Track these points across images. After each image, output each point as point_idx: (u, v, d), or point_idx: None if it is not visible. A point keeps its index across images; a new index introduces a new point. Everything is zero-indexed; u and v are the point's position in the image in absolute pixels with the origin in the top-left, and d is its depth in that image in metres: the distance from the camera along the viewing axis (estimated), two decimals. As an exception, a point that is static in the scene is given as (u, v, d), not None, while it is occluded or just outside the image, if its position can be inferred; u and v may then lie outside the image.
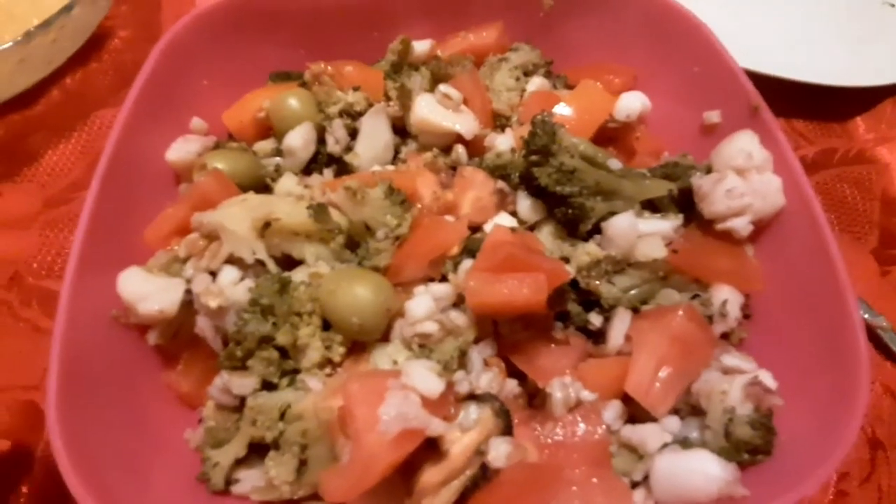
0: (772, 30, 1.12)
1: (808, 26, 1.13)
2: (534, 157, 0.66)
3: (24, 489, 0.73)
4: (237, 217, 0.62)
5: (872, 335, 0.83)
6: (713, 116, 0.78)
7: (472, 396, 0.55)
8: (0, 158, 0.99)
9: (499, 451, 0.51)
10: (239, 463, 0.59)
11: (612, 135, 0.82)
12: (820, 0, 1.16)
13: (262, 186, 0.74)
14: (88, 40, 1.08)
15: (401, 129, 0.80)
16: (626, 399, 0.59)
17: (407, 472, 0.52)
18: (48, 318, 0.84)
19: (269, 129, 0.80)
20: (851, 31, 1.12)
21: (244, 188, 0.71)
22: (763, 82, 0.75)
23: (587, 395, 0.56)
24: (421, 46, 0.85)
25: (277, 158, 0.77)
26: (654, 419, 0.58)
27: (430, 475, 0.51)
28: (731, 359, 0.62)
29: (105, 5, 1.08)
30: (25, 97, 1.03)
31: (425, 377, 0.50)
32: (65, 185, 0.97)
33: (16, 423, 0.76)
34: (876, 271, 0.93)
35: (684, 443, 0.57)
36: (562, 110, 0.77)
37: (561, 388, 0.55)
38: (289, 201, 0.65)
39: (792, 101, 1.04)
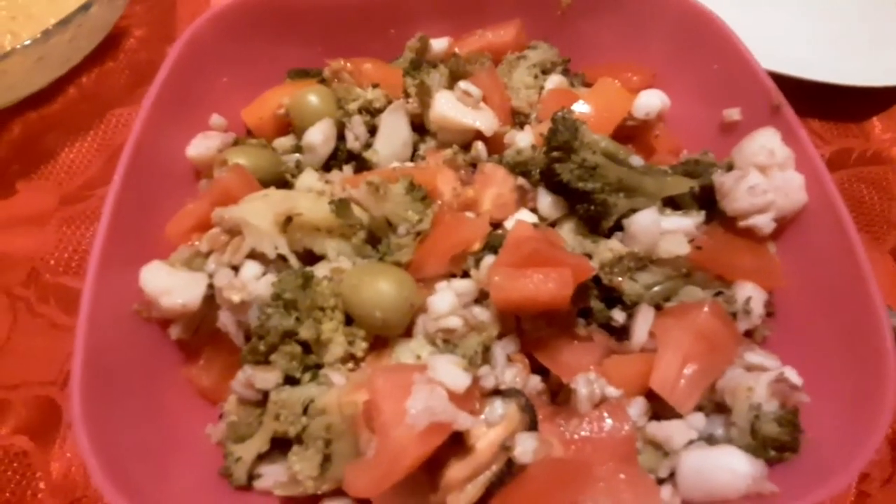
0: (787, 29, 1.12)
1: (823, 26, 1.13)
2: (555, 154, 0.65)
3: (42, 485, 0.73)
4: (259, 212, 0.62)
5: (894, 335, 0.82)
6: (733, 114, 0.78)
7: (496, 392, 0.55)
8: (17, 156, 1.00)
9: (525, 447, 0.51)
10: (261, 458, 0.59)
11: (630, 133, 0.82)
12: (834, 2, 1.16)
13: (282, 182, 0.74)
14: (104, 40, 1.09)
15: (419, 127, 0.80)
16: (650, 396, 0.59)
17: (432, 467, 0.52)
18: (65, 315, 0.84)
19: (289, 125, 0.80)
20: (867, 31, 1.11)
21: (264, 184, 0.71)
22: (778, 82, 0.75)
23: (612, 391, 0.56)
24: (439, 44, 0.85)
25: (297, 155, 0.77)
26: (678, 416, 0.58)
27: (455, 470, 0.50)
28: (755, 356, 0.61)
29: (121, 4, 1.08)
30: (43, 95, 1.04)
31: (451, 371, 0.50)
32: (81, 183, 0.98)
33: (33, 419, 0.77)
34: (894, 272, 0.92)
35: (710, 440, 0.57)
36: (580, 108, 0.77)
37: (586, 384, 0.55)
38: (310, 197, 0.65)
39: (808, 100, 1.03)
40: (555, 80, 0.83)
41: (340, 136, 0.77)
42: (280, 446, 0.59)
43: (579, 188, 0.64)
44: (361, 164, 0.76)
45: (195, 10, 1.22)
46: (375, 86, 0.78)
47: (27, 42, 0.90)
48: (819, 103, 1.06)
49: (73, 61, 1.04)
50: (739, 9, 1.12)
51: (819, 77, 0.99)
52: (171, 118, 0.76)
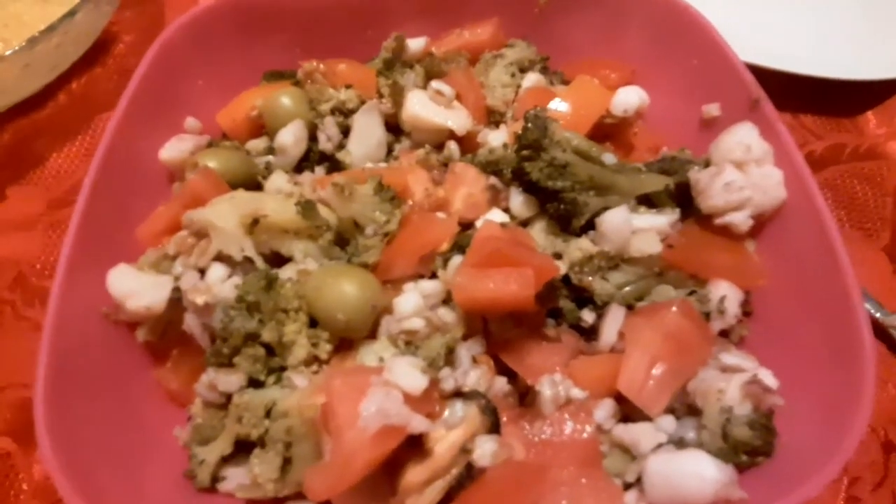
0: (779, 23, 1.10)
1: (816, 19, 1.11)
2: (525, 152, 0.64)
3: (24, 486, 0.73)
4: (225, 214, 0.62)
5: (885, 335, 0.80)
6: (712, 110, 0.76)
7: (458, 394, 0.54)
8: (7, 162, 1.01)
9: (484, 450, 0.50)
10: (225, 460, 0.59)
11: (609, 131, 0.80)
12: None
13: (255, 185, 0.74)
14: (93, 45, 1.10)
15: (394, 127, 0.79)
16: (621, 398, 0.58)
17: (391, 469, 0.51)
18: (48, 318, 0.85)
19: (262, 127, 0.80)
20: (861, 24, 1.09)
21: (235, 186, 0.70)
22: (771, 77, 0.74)
23: (577, 392, 0.55)
24: (415, 44, 0.84)
25: (270, 157, 0.76)
26: (648, 419, 0.56)
27: (414, 474, 0.49)
28: (731, 357, 0.60)
29: (109, 10, 1.09)
30: (33, 101, 1.05)
31: (408, 373, 0.49)
32: (68, 188, 0.98)
33: (17, 420, 0.77)
34: (888, 269, 0.90)
35: (680, 443, 0.55)
36: (557, 106, 0.76)
37: (550, 386, 0.54)
38: (277, 198, 0.65)
39: (800, 95, 1.02)
40: (532, 79, 0.82)
41: (313, 138, 0.77)
42: (244, 449, 0.59)
43: (549, 187, 0.63)
44: (335, 166, 0.76)
45: (184, 14, 1.23)
46: (349, 86, 0.78)
47: (13, 49, 0.90)
48: (812, 98, 1.03)
49: (61, 67, 1.05)
50: (732, 5, 1.11)
51: (812, 71, 0.97)
52: (146, 121, 0.76)
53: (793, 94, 0.98)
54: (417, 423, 0.48)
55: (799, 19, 1.11)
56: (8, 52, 0.90)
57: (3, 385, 0.80)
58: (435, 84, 0.74)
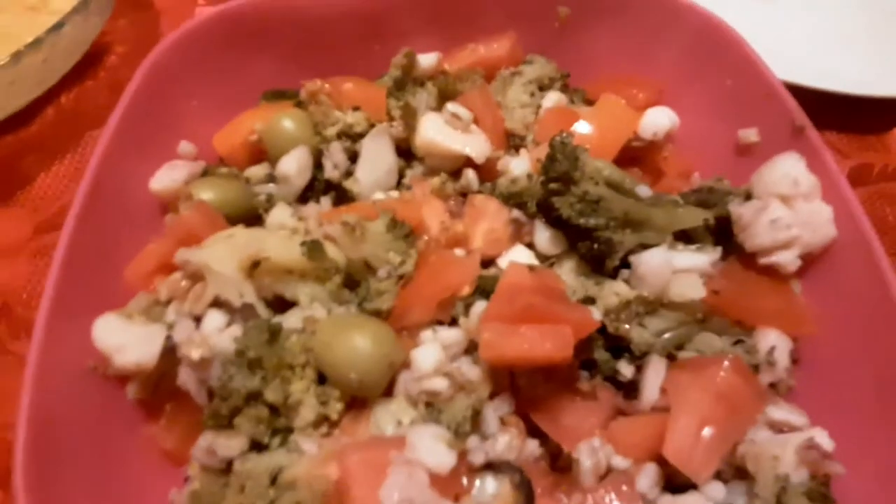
0: (802, 38, 1.05)
1: (840, 34, 1.06)
2: (553, 185, 0.59)
3: (6, 532, 0.67)
4: (223, 256, 0.56)
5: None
6: (750, 135, 0.71)
7: (488, 466, 0.48)
8: (-8, 182, 0.95)
9: (520, 535, 0.44)
10: (227, 535, 0.53)
11: (636, 154, 0.75)
12: (852, 7, 1.09)
13: (255, 217, 0.68)
14: (84, 56, 1.04)
15: (405, 152, 0.73)
16: (661, 460, 0.52)
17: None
18: (34, 355, 0.79)
19: (263, 153, 0.73)
20: (887, 38, 1.04)
21: (234, 219, 0.64)
22: (793, 92, 0.68)
23: (620, 461, 0.49)
24: (427, 60, 0.78)
25: (271, 185, 0.70)
26: (694, 484, 0.51)
27: (440, 562, 0.44)
28: (780, 411, 0.55)
29: (99, 21, 1.03)
30: (20, 116, 0.99)
31: (434, 449, 0.43)
32: (56, 210, 0.93)
33: (2, 464, 0.71)
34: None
35: (730, 514, 0.50)
36: (581, 128, 0.71)
37: (590, 455, 0.48)
38: (280, 236, 0.59)
39: (824, 112, 0.96)
40: (553, 98, 0.76)
41: (318, 165, 0.71)
42: (249, 521, 0.53)
43: (581, 224, 0.58)
44: (341, 195, 0.70)
45: (179, 24, 1.16)
46: (356, 108, 0.72)
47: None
48: (837, 115, 0.99)
49: (48, 83, 0.99)
50: (753, 18, 1.05)
51: (836, 87, 0.92)
52: (136, 146, 0.70)
53: (816, 110, 0.93)
54: (446, 512, 0.42)
55: (822, 34, 1.06)
56: (-4, 67, 0.84)
57: (-14, 426, 0.74)
58: (451, 107, 0.68)
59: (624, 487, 0.47)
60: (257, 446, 0.53)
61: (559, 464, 0.54)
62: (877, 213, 0.93)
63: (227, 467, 0.54)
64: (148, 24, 1.16)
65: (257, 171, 0.72)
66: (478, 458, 0.47)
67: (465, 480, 0.47)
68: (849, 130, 0.99)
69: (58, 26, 0.91)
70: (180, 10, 1.18)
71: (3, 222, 0.91)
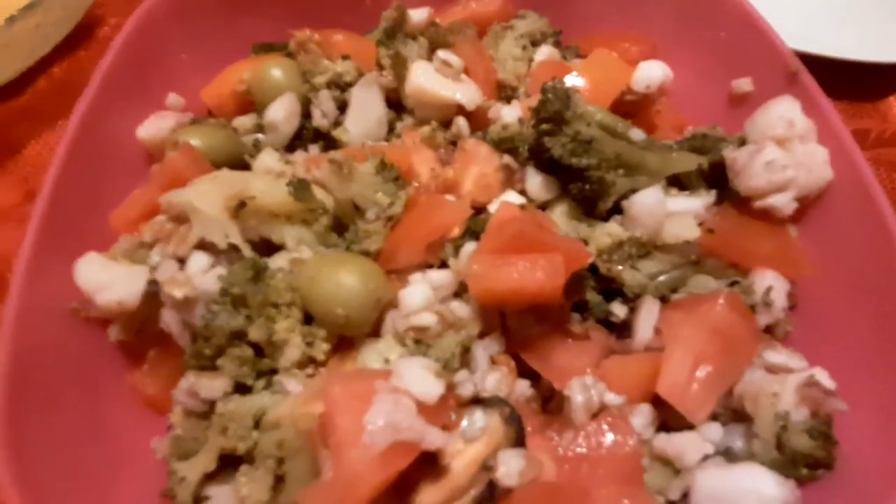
0: (798, 3, 1.04)
1: (836, 2, 1.05)
2: (545, 126, 0.58)
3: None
4: (208, 195, 0.54)
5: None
6: (744, 85, 0.70)
7: (476, 400, 0.47)
8: (-17, 151, 0.93)
9: (509, 467, 0.43)
10: (209, 478, 0.51)
11: (629, 108, 0.73)
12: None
13: (242, 165, 0.67)
14: (77, 28, 1.03)
15: (395, 103, 0.72)
16: (657, 402, 0.51)
17: (401, 490, 0.44)
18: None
19: (251, 104, 0.72)
20: (881, 5, 1.04)
21: (220, 166, 0.63)
22: None
23: (613, 398, 0.48)
24: (418, 15, 0.77)
25: (258, 135, 0.69)
26: (690, 427, 0.50)
27: (427, 495, 0.42)
28: (777, 355, 0.54)
29: (93, -9, 1.02)
30: (12, 87, 0.98)
31: (421, 378, 0.42)
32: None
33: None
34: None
35: (728, 454, 0.49)
36: (574, 81, 0.69)
37: (582, 391, 0.47)
38: (267, 178, 0.58)
39: (820, 78, 0.96)
40: (545, 52, 0.75)
41: (307, 114, 0.69)
42: (230, 464, 0.52)
43: (573, 164, 0.56)
44: (330, 144, 0.69)
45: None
46: (346, 58, 0.70)
47: (-7, 30, 0.83)
48: (832, 81, 0.96)
49: (41, 50, 0.98)
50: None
51: (831, 53, 0.91)
52: (123, 97, 0.69)
53: (813, 76, 0.93)
54: (434, 438, 0.40)
55: (818, 1, 1.05)
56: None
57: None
58: (441, 54, 0.67)
59: (618, 423, 0.46)
60: (241, 389, 0.52)
61: (550, 406, 0.53)
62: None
63: (208, 412, 0.53)
64: (140, -4, 1.15)
65: (245, 120, 0.70)
66: (466, 391, 0.46)
67: (453, 416, 0.45)
68: (844, 98, 0.98)
69: (51, -8, 0.90)
70: (174, -19, 1.17)
71: (-4, 190, 0.90)
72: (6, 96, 0.98)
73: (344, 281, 0.50)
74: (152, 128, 0.69)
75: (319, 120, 0.68)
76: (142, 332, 0.58)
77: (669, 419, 0.51)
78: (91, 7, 1.03)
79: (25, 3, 0.88)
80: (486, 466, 0.43)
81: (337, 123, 0.69)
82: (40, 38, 0.96)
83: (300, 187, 0.55)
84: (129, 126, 0.70)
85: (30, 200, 0.88)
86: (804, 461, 0.47)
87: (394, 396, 0.41)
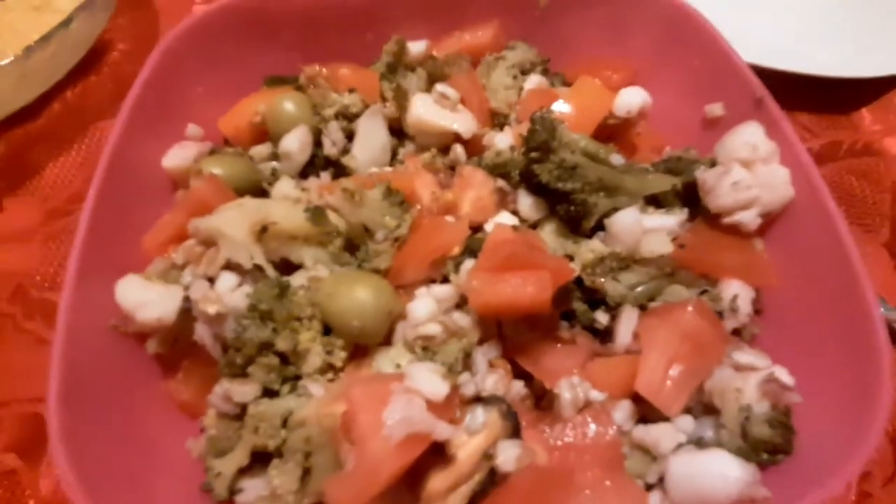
0: (772, 22, 1.11)
1: (809, 17, 1.12)
2: (534, 154, 0.64)
3: (31, 503, 0.71)
4: (234, 222, 0.61)
5: (889, 329, 0.81)
6: (716, 109, 0.77)
7: (477, 399, 0.53)
8: (2, 173, 0.99)
9: (507, 455, 0.49)
10: (242, 472, 0.58)
11: (612, 132, 0.81)
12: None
13: (259, 191, 0.73)
14: (88, 53, 1.08)
15: (397, 131, 0.79)
16: (636, 399, 0.58)
17: (413, 478, 0.51)
18: (52, 331, 0.82)
19: (265, 133, 0.79)
20: (854, 21, 1.10)
21: (241, 193, 0.69)
22: (765, 76, 0.74)
23: (596, 394, 0.54)
24: (416, 47, 0.84)
25: (274, 163, 0.76)
26: (665, 419, 0.56)
27: (437, 481, 0.49)
28: (744, 356, 0.60)
29: (103, 18, 1.08)
30: (27, 111, 1.04)
31: (430, 380, 0.49)
32: (66, 197, 0.97)
33: (22, 436, 0.75)
34: (889, 264, 0.91)
35: (699, 443, 0.56)
36: (560, 107, 0.76)
37: (569, 389, 0.54)
38: (286, 205, 0.64)
39: (795, 94, 1.02)
40: (534, 80, 0.82)
41: (318, 143, 0.76)
42: (261, 460, 0.58)
43: (559, 188, 0.63)
44: (339, 171, 0.75)
45: (178, 22, 1.21)
46: (352, 90, 0.77)
47: (8, 60, 0.89)
48: (807, 96, 1.04)
49: (56, 76, 1.04)
50: (725, 3, 1.11)
51: (806, 70, 0.98)
52: (147, 129, 0.75)
53: (788, 92, 0.99)
54: (442, 430, 0.47)
55: (793, 18, 1.12)
56: (3, 63, 0.89)
57: (6, 400, 0.78)
58: (440, 87, 0.74)
59: (602, 415, 0.52)
60: (269, 393, 0.58)
61: (542, 403, 0.59)
62: (846, 185, 0.98)
63: (239, 415, 0.60)
64: (147, 22, 1.21)
65: (261, 150, 0.77)
66: (469, 390, 0.53)
67: (457, 413, 0.52)
68: (819, 111, 1.05)
69: (66, 22, 0.96)
70: (178, 9, 1.23)
71: (16, 210, 0.96)
72: (23, 120, 1.03)
73: (359, 296, 0.57)
74: (176, 157, 0.75)
75: (330, 149, 0.74)
76: (176, 344, 0.64)
77: (647, 413, 0.57)
78: (100, 33, 1.09)
79: (42, 33, 0.93)
80: (487, 455, 0.50)
81: (345, 151, 0.75)
82: (56, 65, 1.01)
83: (317, 213, 0.62)
84: (153, 156, 0.76)
85: (50, 219, 0.94)
86: (765, 448, 0.54)
87: (407, 396, 0.47)
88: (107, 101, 1.09)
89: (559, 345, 0.59)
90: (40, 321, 0.84)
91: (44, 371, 0.78)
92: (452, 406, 0.51)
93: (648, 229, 0.64)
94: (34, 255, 0.90)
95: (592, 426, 0.52)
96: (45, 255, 0.90)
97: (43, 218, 0.94)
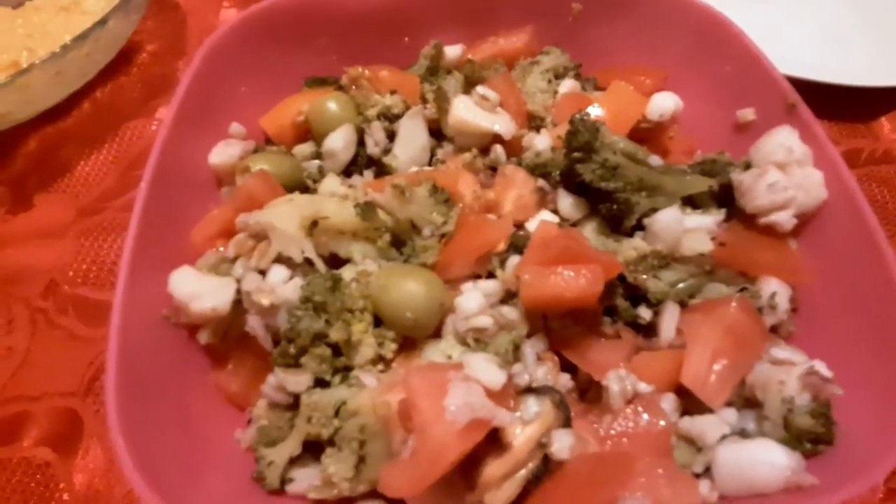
0: (794, 32, 1.13)
1: (829, 27, 1.14)
2: (576, 154, 0.66)
3: (65, 496, 0.72)
4: (286, 216, 0.62)
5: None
6: (748, 114, 0.79)
7: (529, 389, 0.55)
8: (34, 170, 1.01)
9: (562, 443, 0.50)
10: (293, 462, 0.59)
11: (644, 135, 0.82)
12: (840, 1, 1.18)
13: (303, 188, 0.75)
14: (117, 55, 1.10)
15: (436, 132, 0.80)
16: (680, 392, 0.59)
17: (466, 466, 0.52)
18: (84, 326, 0.85)
19: (307, 132, 0.81)
20: (872, 31, 1.13)
21: (286, 190, 0.71)
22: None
23: (644, 386, 0.56)
24: (452, 51, 0.86)
25: (316, 161, 0.77)
26: (709, 412, 0.58)
27: (492, 468, 0.50)
28: (782, 351, 0.61)
29: (136, 19, 1.10)
30: (58, 110, 1.05)
31: (487, 369, 0.50)
32: (97, 195, 0.98)
33: (55, 430, 0.76)
34: (910, 268, 0.92)
35: (742, 435, 0.57)
36: (595, 111, 0.78)
37: (618, 381, 0.55)
38: (335, 201, 0.66)
39: (815, 102, 1.03)
40: (568, 85, 0.84)
41: (359, 142, 0.78)
42: (311, 450, 0.59)
43: (601, 188, 0.65)
44: (381, 169, 0.77)
45: (206, 24, 1.24)
46: (393, 92, 0.79)
47: (46, 57, 0.91)
48: (826, 105, 1.06)
49: (88, 75, 1.06)
50: (746, 12, 1.13)
51: (825, 78, 1.00)
52: (193, 127, 0.76)
53: (808, 100, 1.01)
54: (503, 416, 0.49)
55: (812, 28, 1.15)
56: (39, 60, 0.91)
57: (39, 394, 0.79)
58: (480, 89, 0.76)
59: (651, 405, 0.54)
60: (320, 383, 0.60)
61: (587, 396, 0.61)
62: (867, 192, 0.97)
63: (291, 405, 0.61)
64: (176, 24, 1.24)
65: (304, 148, 0.79)
66: (522, 381, 0.54)
67: (512, 403, 0.53)
68: (838, 119, 1.07)
69: (101, 22, 0.98)
70: (206, 12, 1.26)
71: (48, 207, 0.97)
72: (55, 119, 1.05)
73: (412, 289, 0.58)
74: (222, 154, 0.77)
75: (372, 148, 0.76)
76: (226, 336, 0.66)
77: (691, 406, 0.59)
78: (131, 34, 1.11)
79: (71, 33, 0.95)
80: (541, 444, 0.51)
81: (386, 151, 0.77)
82: (89, 64, 1.04)
83: (367, 209, 0.63)
84: (199, 152, 0.77)
85: (82, 216, 0.96)
86: (807, 438, 0.55)
87: (467, 383, 0.49)
88: (136, 101, 1.11)
89: (604, 339, 0.60)
90: (73, 316, 0.86)
91: (76, 366, 0.80)
92: (508, 395, 0.52)
93: (688, 228, 0.65)
94: (66, 252, 0.92)
95: (644, 415, 0.53)
96: (77, 252, 0.92)
97: (75, 215, 0.95)
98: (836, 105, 1.07)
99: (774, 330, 0.66)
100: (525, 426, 0.51)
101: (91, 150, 1.03)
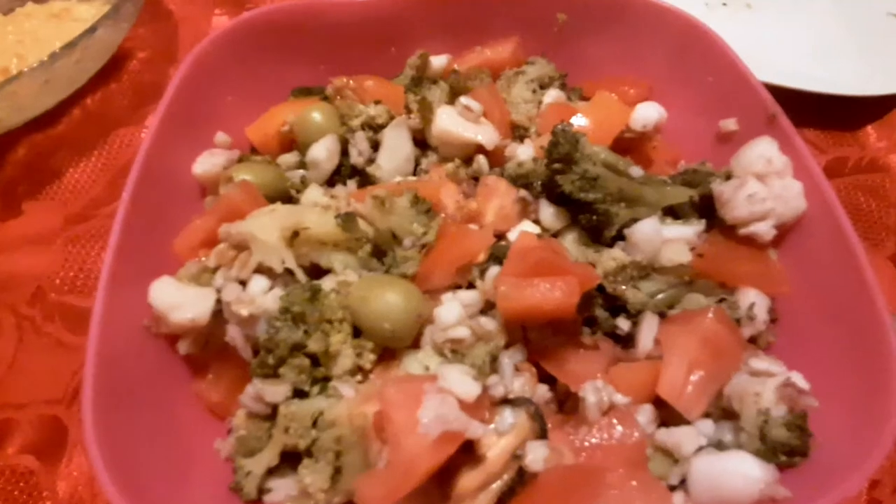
0: (780, 41, 1.14)
1: (816, 37, 1.15)
2: (557, 165, 0.67)
3: (49, 504, 0.72)
4: (267, 227, 0.63)
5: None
6: (729, 125, 0.79)
7: (505, 401, 0.55)
8: (23, 177, 1.01)
9: (536, 455, 0.51)
10: (271, 472, 0.59)
11: (628, 145, 0.83)
12: (826, 11, 1.19)
13: (287, 198, 0.75)
14: (108, 62, 1.11)
15: (420, 142, 0.81)
16: (657, 403, 0.59)
17: (442, 478, 0.52)
18: (71, 334, 0.85)
19: (293, 142, 0.81)
20: (858, 41, 1.13)
21: (269, 200, 0.71)
22: (772, 93, 0.77)
23: (620, 398, 0.56)
24: (438, 61, 0.87)
25: (301, 171, 0.78)
26: (686, 423, 0.58)
27: (467, 480, 0.50)
28: (760, 362, 0.62)
29: (126, 27, 1.11)
30: (48, 117, 1.06)
31: (461, 380, 0.50)
32: (86, 202, 0.99)
33: (40, 438, 0.76)
34: (894, 277, 0.93)
35: (719, 446, 0.57)
36: (579, 121, 0.79)
37: (594, 392, 0.55)
38: (316, 211, 0.66)
39: (802, 111, 1.05)
40: (553, 95, 0.84)
41: (343, 152, 0.78)
42: (289, 460, 0.59)
43: (581, 199, 0.65)
44: (365, 179, 0.77)
45: (197, 32, 1.24)
46: (378, 102, 0.80)
47: (35, 64, 0.91)
48: (813, 113, 1.07)
49: (78, 83, 1.06)
50: (733, 21, 1.15)
51: (812, 87, 1.01)
52: (178, 136, 0.77)
53: (795, 109, 1.02)
54: (475, 428, 0.49)
55: (799, 38, 1.15)
56: (28, 68, 0.91)
57: (24, 402, 0.79)
58: (464, 100, 0.76)
59: (625, 417, 0.54)
60: (298, 394, 0.60)
61: (565, 408, 0.61)
62: (852, 201, 1.01)
63: (269, 415, 0.61)
64: (167, 32, 1.24)
65: (288, 158, 0.79)
66: (497, 392, 0.54)
67: (487, 414, 0.53)
68: (825, 128, 1.08)
69: (91, 30, 0.98)
70: (197, 20, 1.27)
71: (36, 214, 0.97)
72: (45, 126, 1.05)
73: (390, 300, 0.58)
74: (206, 164, 0.77)
75: (356, 158, 0.77)
76: (206, 346, 0.66)
77: (668, 417, 0.59)
78: (122, 42, 1.11)
79: (62, 40, 0.95)
80: (516, 455, 0.51)
81: (370, 161, 0.78)
82: (79, 72, 1.04)
83: (348, 220, 0.64)
84: (184, 162, 0.78)
85: (70, 224, 0.96)
86: (783, 450, 0.55)
87: (441, 395, 0.49)
88: (126, 108, 1.12)
89: (582, 350, 0.60)
90: (59, 324, 0.86)
91: (62, 374, 0.80)
92: (483, 406, 0.52)
93: (667, 239, 0.66)
94: (54, 259, 0.92)
95: (618, 428, 0.53)
96: (64, 259, 0.92)
97: (63, 222, 0.95)
98: (822, 114, 1.07)
99: (753, 340, 0.66)
100: (500, 438, 0.52)
101: (80, 157, 1.04)
